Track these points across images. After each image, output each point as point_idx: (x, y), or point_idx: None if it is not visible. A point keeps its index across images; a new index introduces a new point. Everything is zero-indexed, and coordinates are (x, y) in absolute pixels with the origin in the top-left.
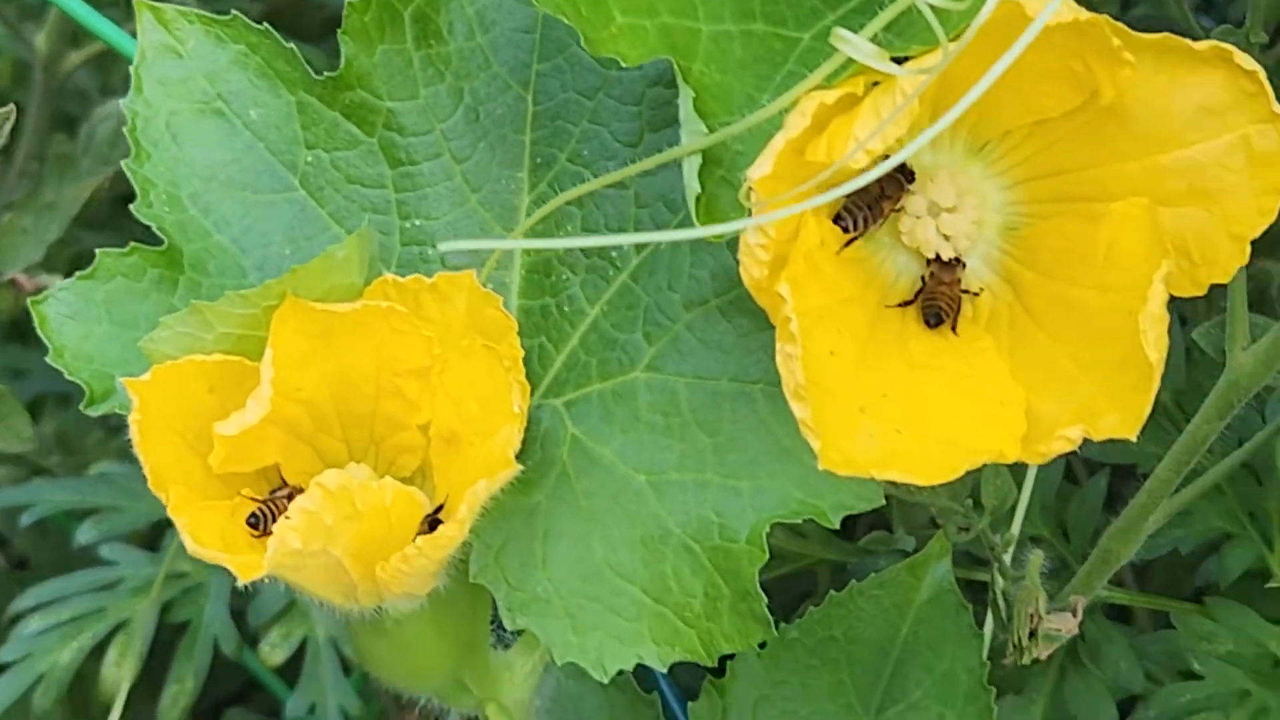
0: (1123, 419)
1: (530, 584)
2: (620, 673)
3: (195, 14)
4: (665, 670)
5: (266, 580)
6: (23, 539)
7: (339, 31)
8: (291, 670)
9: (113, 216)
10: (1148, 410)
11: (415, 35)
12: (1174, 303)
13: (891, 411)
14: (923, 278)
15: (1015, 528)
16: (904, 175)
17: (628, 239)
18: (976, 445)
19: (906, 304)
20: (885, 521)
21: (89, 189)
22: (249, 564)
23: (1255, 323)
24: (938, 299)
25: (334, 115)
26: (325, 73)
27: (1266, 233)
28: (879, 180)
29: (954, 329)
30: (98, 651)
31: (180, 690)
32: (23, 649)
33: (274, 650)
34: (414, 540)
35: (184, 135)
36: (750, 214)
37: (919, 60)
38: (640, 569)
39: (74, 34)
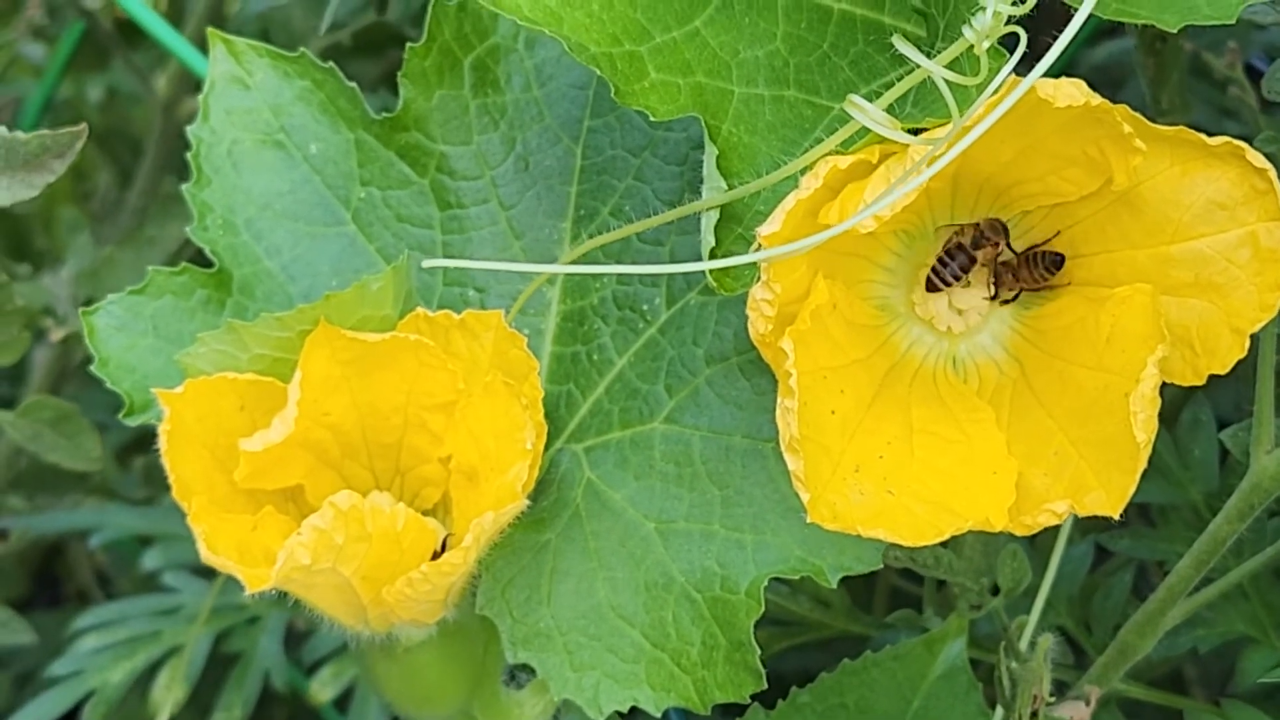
0: (1108, 496)
1: (534, 619)
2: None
3: (265, 48)
4: (660, 716)
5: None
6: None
7: (399, 74)
8: None
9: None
10: (1131, 489)
11: (473, 83)
12: (1213, 404)
13: (885, 472)
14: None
15: (1035, 612)
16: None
17: (609, 270)
18: (964, 511)
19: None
20: (917, 601)
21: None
22: (259, 576)
23: None
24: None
25: (389, 155)
26: (384, 113)
27: None
28: (971, 238)
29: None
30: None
31: (227, 717)
32: (75, 665)
33: (324, 688)
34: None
35: (244, 164)
36: (759, 271)
37: (933, 132)
38: (642, 613)
39: (195, 82)
